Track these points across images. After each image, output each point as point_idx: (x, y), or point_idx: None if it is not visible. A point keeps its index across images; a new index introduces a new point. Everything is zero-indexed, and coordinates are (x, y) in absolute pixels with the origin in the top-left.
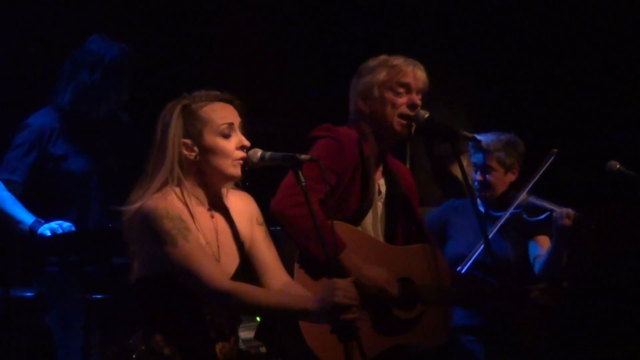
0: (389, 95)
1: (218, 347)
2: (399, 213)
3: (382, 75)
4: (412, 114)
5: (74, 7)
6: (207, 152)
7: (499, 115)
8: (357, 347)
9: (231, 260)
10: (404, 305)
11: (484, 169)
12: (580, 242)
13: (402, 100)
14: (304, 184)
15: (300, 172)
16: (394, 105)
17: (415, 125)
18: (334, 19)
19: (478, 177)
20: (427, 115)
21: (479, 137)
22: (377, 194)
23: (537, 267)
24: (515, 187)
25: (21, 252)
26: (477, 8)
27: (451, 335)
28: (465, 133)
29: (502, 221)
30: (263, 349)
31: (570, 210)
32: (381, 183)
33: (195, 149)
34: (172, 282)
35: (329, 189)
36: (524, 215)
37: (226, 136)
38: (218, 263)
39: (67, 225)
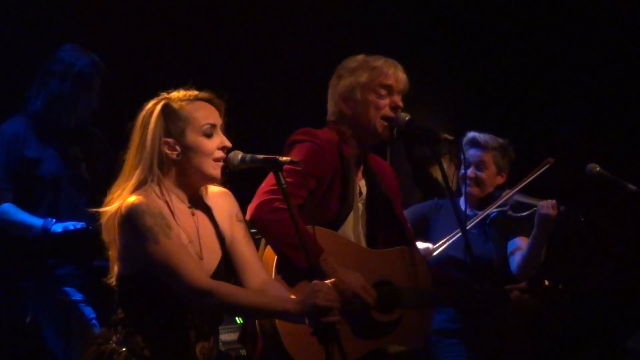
0: (371, 97)
1: (198, 347)
2: (379, 214)
3: (363, 77)
4: (394, 116)
5: (47, 14)
6: (189, 150)
7: (478, 117)
8: (338, 350)
9: (213, 258)
10: (384, 308)
11: (478, 164)
12: (568, 235)
13: (385, 102)
14: (285, 185)
15: (281, 174)
16: (377, 107)
17: (397, 127)
18: (311, 18)
19: (470, 172)
20: (407, 118)
21: (476, 134)
22: (357, 195)
23: (514, 264)
24: (500, 190)
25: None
26: (455, 9)
27: (434, 338)
28: (446, 135)
29: (483, 215)
30: (243, 351)
31: (554, 202)
32: (362, 184)
33: (178, 147)
34: (153, 281)
35: (308, 193)
36: (510, 212)
37: (208, 135)
38: (199, 261)
39: (80, 224)
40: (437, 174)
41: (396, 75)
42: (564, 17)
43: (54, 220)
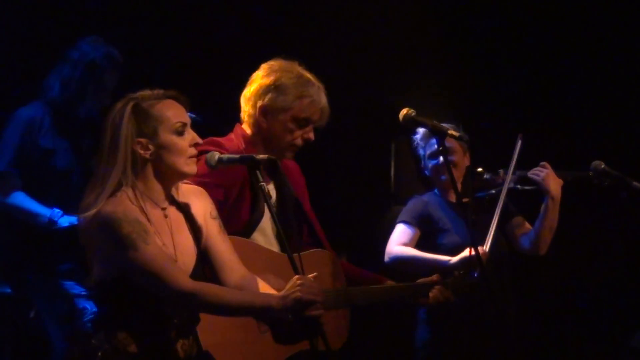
0: (292, 125)
1: (179, 344)
2: (289, 216)
3: (294, 104)
4: (301, 144)
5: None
6: (162, 149)
7: (482, 114)
8: (324, 343)
9: (188, 259)
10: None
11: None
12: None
13: (300, 132)
14: (262, 183)
15: (258, 172)
16: (292, 135)
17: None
18: (310, 14)
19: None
20: (413, 114)
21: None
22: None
23: (526, 240)
24: (477, 173)
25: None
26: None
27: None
28: (452, 132)
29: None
30: None
31: (543, 163)
32: (270, 187)
33: (151, 147)
34: (131, 285)
35: (217, 204)
36: (518, 186)
37: (180, 134)
38: (177, 264)
39: None
40: None
41: (323, 110)
42: (567, 12)
43: (62, 212)
